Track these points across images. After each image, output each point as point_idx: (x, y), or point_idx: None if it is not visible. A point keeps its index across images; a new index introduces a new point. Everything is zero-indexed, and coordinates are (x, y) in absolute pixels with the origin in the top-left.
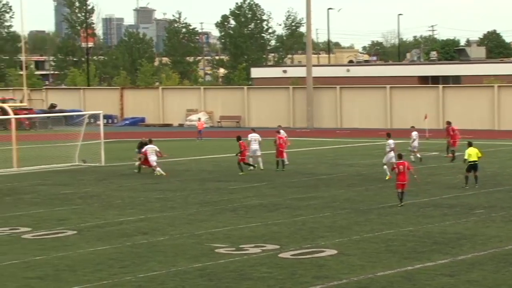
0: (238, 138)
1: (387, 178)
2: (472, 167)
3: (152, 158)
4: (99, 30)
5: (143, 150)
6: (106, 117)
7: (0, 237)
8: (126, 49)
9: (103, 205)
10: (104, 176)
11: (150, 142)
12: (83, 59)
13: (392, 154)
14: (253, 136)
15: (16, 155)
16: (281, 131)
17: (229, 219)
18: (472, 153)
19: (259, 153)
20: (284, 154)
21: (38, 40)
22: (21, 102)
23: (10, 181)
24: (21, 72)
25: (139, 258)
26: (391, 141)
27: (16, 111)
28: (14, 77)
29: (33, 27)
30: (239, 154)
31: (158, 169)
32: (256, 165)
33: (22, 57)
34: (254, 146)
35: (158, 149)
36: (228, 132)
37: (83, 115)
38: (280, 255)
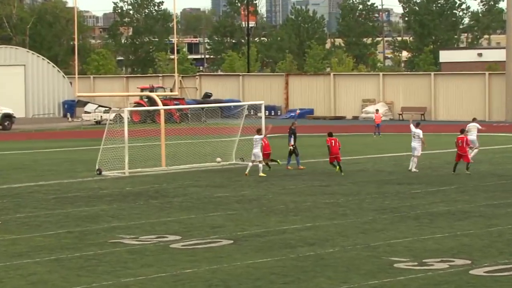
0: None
1: None
2: None
3: (255, 151)
4: (262, 7)
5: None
6: (268, 108)
7: (146, 247)
8: (293, 29)
9: (263, 211)
10: (265, 177)
11: (258, 132)
12: (242, 40)
13: None
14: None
15: (165, 152)
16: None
17: (411, 228)
18: None
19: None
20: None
21: (191, 20)
22: (171, 91)
23: (157, 181)
24: (171, 57)
25: (304, 273)
26: None
27: (165, 101)
28: (164, 62)
29: (187, 4)
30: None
31: (260, 165)
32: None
33: (173, 39)
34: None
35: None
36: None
37: (241, 106)
38: (471, 271)
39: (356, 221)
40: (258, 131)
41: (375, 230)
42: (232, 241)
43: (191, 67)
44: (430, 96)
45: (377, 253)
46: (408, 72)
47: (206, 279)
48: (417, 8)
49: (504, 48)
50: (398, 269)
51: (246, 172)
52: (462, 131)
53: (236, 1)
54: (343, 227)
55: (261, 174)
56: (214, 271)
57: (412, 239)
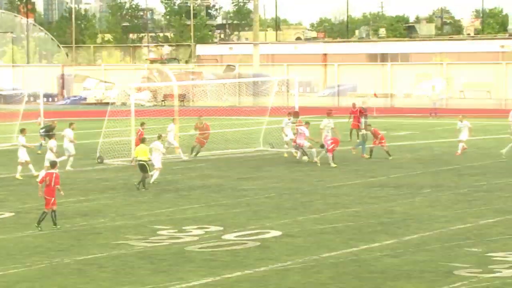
0: None
1: None
2: None
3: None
4: None
5: None
6: (302, 84)
7: (156, 249)
8: None
9: (297, 206)
10: (300, 166)
11: (295, 115)
12: None
13: None
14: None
15: (179, 137)
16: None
17: (475, 228)
18: None
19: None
20: None
21: None
22: (186, 63)
23: (170, 171)
24: (187, 22)
25: (346, 281)
26: None
27: (180, 75)
28: (178, 29)
29: None
30: None
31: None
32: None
33: (189, 1)
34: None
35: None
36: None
37: (271, 82)
38: None
39: (407, 219)
40: (294, 114)
41: (429, 230)
42: (259, 243)
43: (210, 34)
44: (497, 70)
45: (433, 258)
46: (472, 38)
47: None
48: None
49: None
50: (459, 276)
51: (316, 160)
52: None
53: None
54: (392, 225)
55: (316, 160)
56: (237, 279)
57: (477, 240)
